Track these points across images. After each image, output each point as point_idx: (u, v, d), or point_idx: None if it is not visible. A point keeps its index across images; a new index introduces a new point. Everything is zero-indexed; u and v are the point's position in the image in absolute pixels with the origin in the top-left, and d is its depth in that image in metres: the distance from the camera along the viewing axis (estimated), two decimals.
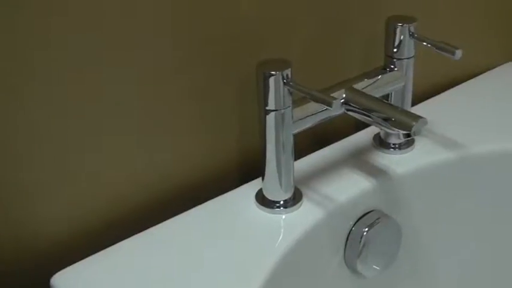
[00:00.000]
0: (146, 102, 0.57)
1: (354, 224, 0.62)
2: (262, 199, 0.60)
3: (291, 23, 0.63)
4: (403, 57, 0.63)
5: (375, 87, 0.62)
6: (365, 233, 0.62)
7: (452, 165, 0.67)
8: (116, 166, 0.57)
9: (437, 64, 0.77)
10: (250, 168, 0.65)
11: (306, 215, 0.59)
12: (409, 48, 0.62)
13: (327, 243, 0.61)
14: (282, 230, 0.58)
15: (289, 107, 0.55)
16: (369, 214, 0.63)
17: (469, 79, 0.80)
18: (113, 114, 0.55)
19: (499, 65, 0.84)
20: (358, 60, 0.68)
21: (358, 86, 0.60)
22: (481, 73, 0.82)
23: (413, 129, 0.54)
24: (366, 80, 0.61)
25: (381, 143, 0.68)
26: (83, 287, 0.52)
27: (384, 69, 0.63)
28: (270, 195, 0.59)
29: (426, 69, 0.74)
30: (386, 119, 0.56)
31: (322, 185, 0.62)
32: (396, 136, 0.66)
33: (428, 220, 0.67)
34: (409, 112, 0.56)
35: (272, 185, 0.59)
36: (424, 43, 0.61)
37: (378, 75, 0.62)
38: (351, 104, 0.59)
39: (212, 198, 0.61)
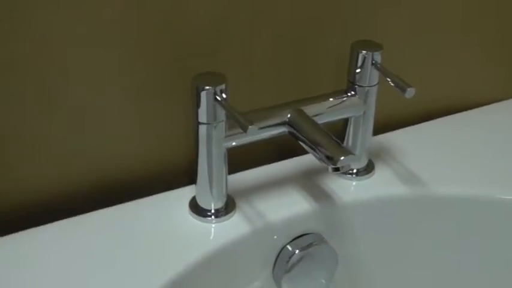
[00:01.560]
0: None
1: (288, 244, 0.62)
2: (194, 205, 0.61)
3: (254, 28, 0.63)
4: (364, 85, 0.61)
5: (331, 110, 0.61)
6: (295, 254, 0.61)
7: (405, 201, 0.64)
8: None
9: (432, 90, 0.74)
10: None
11: (235, 227, 0.60)
12: (371, 76, 0.61)
13: (252, 258, 0.61)
14: (205, 238, 0.58)
15: (222, 121, 0.56)
16: (305, 236, 0.63)
17: (465, 110, 0.77)
18: None
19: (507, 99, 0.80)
20: (327, 79, 0.67)
21: (312, 107, 0.60)
22: (482, 105, 0.78)
23: (338, 163, 0.53)
24: (322, 102, 0.61)
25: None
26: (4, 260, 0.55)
27: (345, 94, 0.62)
28: (201, 203, 0.60)
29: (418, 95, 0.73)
30: (317, 149, 0.55)
31: (262, 200, 0.62)
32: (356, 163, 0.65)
33: (371, 251, 0.66)
34: (341, 146, 0.54)
35: (203, 193, 0.59)
36: (383, 74, 0.59)
37: (337, 99, 0.61)
38: (294, 127, 0.58)
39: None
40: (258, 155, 0.66)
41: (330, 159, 0.54)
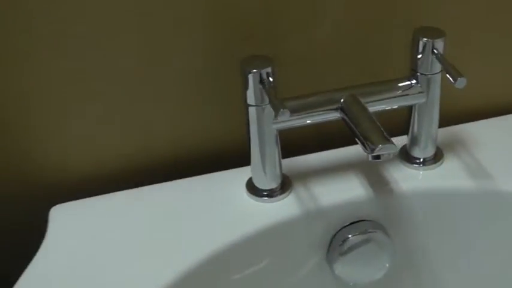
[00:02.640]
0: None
1: (342, 228, 0.62)
2: (250, 184, 0.63)
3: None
4: (426, 73, 0.60)
5: (390, 97, 0.60)
6: (349, 238, 0.62)
7: (469, 195, 0.62)
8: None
9: None
10: None
11: (288, 207, 0.61)
12: (432, 63, 0.59)
13: (304, 239, 0.62)
14: (257, 216, 0.60)
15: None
16: (362, 222, 0.63)
17: None
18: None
19: None
20: (393, 66, 0.65)
21: (370, 93, 0.59)
22: None
23: (375, 151, 0.53)
24: (381, 88, 0.60)
25: (406, 154, 0.65)
26: (73, 223, 0.61)
27: (407, 81, 0.61)
28: (256, 183, 0.62)
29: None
30: (360, 136, 0.55)
31: (320, 183, 0.63)
32: (418, 150, 0.64)
33: (431, 243, 0.64)
34: (383, 134, 0.54)
35: (257, 173, 0.61)
36: (438, 61, 0.57)
37: (397, 86, 0.60)
38: (345, 113, 0.58)
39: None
40: (325, 139, 0.67)
41: (369, 146, 0.54)
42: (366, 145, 0.54)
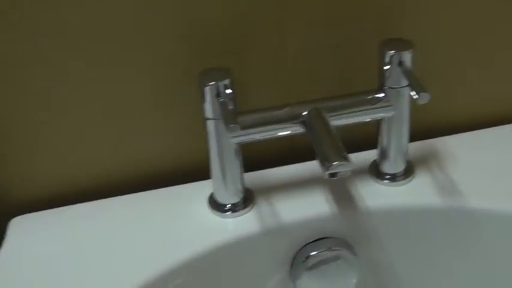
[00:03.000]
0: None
1: (306, 245, 0.60)
2: (212, 199, 0.61)
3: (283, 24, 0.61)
4: (394, 86, 0.57)
5: (356, 111, 0.58)
6: (312, 256, 0.60)
7: (438, 213, 0.60)
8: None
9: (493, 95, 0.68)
10: None
11: (249, 223, 0.59)
12: (399, 77, 0.57)
13: (266, 256, 0.60)
14: (217, 231, 0.59)
15: None
16: (326, 239, 0.61)
17: None
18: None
19: None
20: (365, 79, 0.63)
21: (335, 107, 0.57)
22: None
23: (329, 168, 0.51)
24: (347, 102, 0.58)
25: (375, 169, 0.63)
26: (31, 235, 0.60)
27: (375, 95, 0.58)
28: (217, 197, 0.60)
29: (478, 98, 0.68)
30: (318, 152, 0.53)
31: (284, 198, 0.61)
32: (388, 165, 0.62)
33: (398, 260, 0.62)
34: (340, 151, 0.52)
35: (217, 188, 0.60)
36: (403, 75, 0.55)
37: (364, 100, 0.58)
38: (307, 127, 0.56)
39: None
40: (299, 153, 0.65)
41: (324, 163, 0.52)
42: (322, 162, 0.52)
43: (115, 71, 0.60)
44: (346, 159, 0.51)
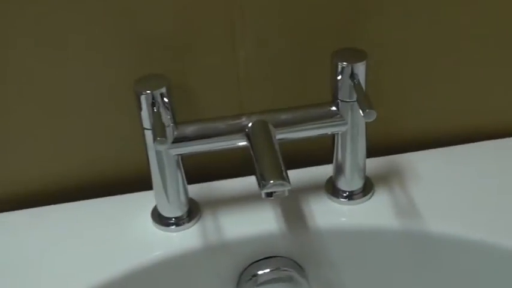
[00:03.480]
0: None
1: (252, 264, 0.57)
2: (155, 211, 0.58)
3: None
4: (346, 99, 0.53)
5: (306, 125, 0.54)
6: (259, 275, 0.57)
7: (395, 235, 0.56)
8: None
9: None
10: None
11: (192, 238, 0.56)
12: (352, 90, 0.53)
13: (211, 274, 0.57)
14: (157, 244, 0.56)
15: (168, 126, 0.52)
16: (275, 258, 0.57)
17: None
18: None
19: None
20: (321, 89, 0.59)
21: (283, 120, 0.53)
22: None
23: (265, 188, 0.47)
24: (297, 115, 0.54)
25: (332, 185, 0.59)
26: None
27: (327, 108, 0.55)
28: (160, 210, 0.57)
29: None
30: (256, 168, 0.50)
31: (232, 212, 0.58)
32: (344, 182, 0.58)
33: (350, 283, 0.58)
34: (279, 170, 0.48)
35: (159, 200, 0.56)
36: (354, 89, 0.51)
37: (314, 113, 0.54)
38: (250, 140, 0.53)
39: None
40: (248, 165, 0.62)
41: (261, 181, 0.48)
42: (258, 180, 0.48)
43: (59, 72, 0.57)
44: (283, 178, 0.48)
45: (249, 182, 0.60)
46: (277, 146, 0.51)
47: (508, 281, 0.55)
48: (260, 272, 0.57)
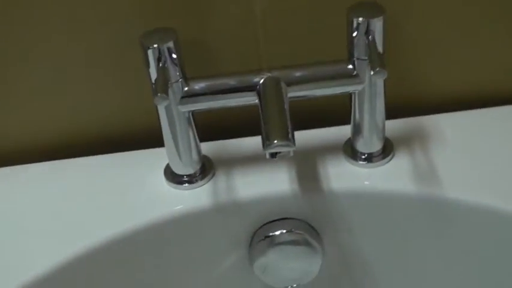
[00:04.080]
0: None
1: (266, 224, 0.56)
2: (168, 168, 0.57)
3: None
4: (362, 57, 0.51)
5: (320, 83, 0.52)
6: (273, 236, 0.55)
7: (412, 200, 0.53)
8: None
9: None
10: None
11: (206, 196, 0.55)
12: (366, 47, 0.50)
13: (222, 234, 0.56)
14: (172, 203, 0.55)
15: (177, 81, 0.51)
16: (290, 220, 0.56)
17: None
18: None
19: None
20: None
21: (296, 76, 0.51)
22: None
23: (268, 148, 0.46)
24: (311, 72, 0.52)
25: (350, 147, 0.57)
26: None
27: (343, 66, 0.52)
28: (172, 167, 0.56)
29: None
30: (262, 127, 0.48)
31: (248, 171, 0.56)
32: (363, 143, 0.56)
33: (366, 248, 0.57)
34: (284, 131, 0.46)
35: (171, 157, 0.55)
36: (368, 46, 0.48)
37: (329, 71, 0.52)
38: (260, 97, 0.51)
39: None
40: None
41: (265, 141, 0.46)
42: (263, 140, 0.47)
43: (67, 28, 0.56)
44: (287, 139, 0.46)
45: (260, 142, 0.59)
46: (286, 105, 0.49)
47: None
48: (273, 233, 0.56)
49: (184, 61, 0.53)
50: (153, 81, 0.51)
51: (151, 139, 0.59)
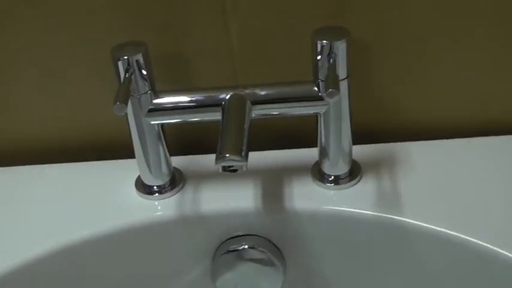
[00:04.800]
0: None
1: (227, 240, 0.57)
2: (139, 178, 0.59)
3: None
4: (324, 79, 0.51)
5: (284, 103, 0.53)
6: (233, 252, 0.56)
7: (372, 224, 0.54)
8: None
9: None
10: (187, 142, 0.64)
11: (172, 207, 0.56)
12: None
13: (183, 246, 0.57)
14: (139, 212, 0.56)
15: (146, 93, 0.52)
16: (252, 237, 0.56)
17: None
18: None
19: None
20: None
21: (261, 95, 0.52)
22: None
23: (218, 161, 0.47)
24: (277, 91, 0.53)
25: (318, 168, 0.58)
26: None
27: (307, 87, 0.53)
28: (142, 177, 0.58)
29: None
30: (219, 141, 0.49)
31: (216, 186, 0.57)
32: (329, 165, 0.56)
33: (325, 267, 0.57)
34: (236, 145, 0.47)
35: (141, 169, 0.57)
36: (326, 68, 0.49)
37: (297, 91, 0.53)
38: (223, 114, 0.52)
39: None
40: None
41: (218, 154, 0.47)
42: (217, 153, 0.48)
43: (54, 36, 0.58)
44: (239, 154, 0.47)
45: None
46: (246, 123, 0.50)
47: (481, 279, 0.51)
48: (236, 249, 0.56)
49: (161, 75, 0.55)
50: None
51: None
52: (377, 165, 0.58)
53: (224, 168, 0.48)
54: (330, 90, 0.47)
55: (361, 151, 0.59)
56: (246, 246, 0.56)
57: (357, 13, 0.56)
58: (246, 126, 0.50)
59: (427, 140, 0.60)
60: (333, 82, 0.47)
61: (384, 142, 0.60)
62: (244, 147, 0.48)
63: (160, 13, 0.57)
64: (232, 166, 0.48)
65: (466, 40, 0.57)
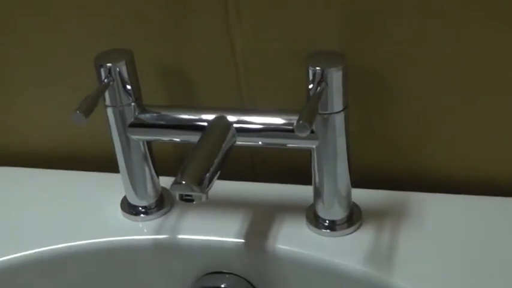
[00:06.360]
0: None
1: (204, 276, 0.52)
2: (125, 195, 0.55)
3: None
4: (321, 111, 0.45)
5: (269, 133, 0.47)
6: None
7: (355, 280, 0.47)
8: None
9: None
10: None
11: (154, 230, 0.52)
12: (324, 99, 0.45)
13: (159, 274, 0.53)
14: (120, 231, 0.53)
15: (129, 105, 0.49)
16: (228, 275, 0.51)
17: None
18: None
19: None
20: None
21: (250, 122, 0.47)
22: None
23: (171, 188, 0.42)
24: (264, 119, 0.47)
25: (313, 211, 0.51)
26: None
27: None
28: (127, 196, 0.54)
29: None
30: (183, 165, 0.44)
31: (203, 215, 0.53)
32: (323, 208, 0.50)
33: None
34: (196, 173, 0.42)
35: (126, 187, 0.53)
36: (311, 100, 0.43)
37: (284, 121, 0.47)
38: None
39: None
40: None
41: (175, 179, 0.43)
42: (176, 177, 0.43)
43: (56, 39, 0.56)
44: (196, 183, 0.42)
45: (229, 186, 0.55)
46: (222, 151, 0.45)
47: None
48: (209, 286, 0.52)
49: (161, 89, 0.51)
50: (105, 102, 0.49)
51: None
52: (381, 214, 0.51)
53: (181, 197, 0.43)
54: (300, 122, 0.40)
55: (367, 196, 0.52)
56: (222, 286, 0.51)
57: (376, 43, 0.50)
58: (221, 153, 0.45)
59: (445, 192, 0.52)
60: (306, 115, 0.41)
61: (398, 189, 0.53)
62: (207, 176, 0.43)
63: (163, 25, 0.53)
64: (190, 195, 0.43)
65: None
